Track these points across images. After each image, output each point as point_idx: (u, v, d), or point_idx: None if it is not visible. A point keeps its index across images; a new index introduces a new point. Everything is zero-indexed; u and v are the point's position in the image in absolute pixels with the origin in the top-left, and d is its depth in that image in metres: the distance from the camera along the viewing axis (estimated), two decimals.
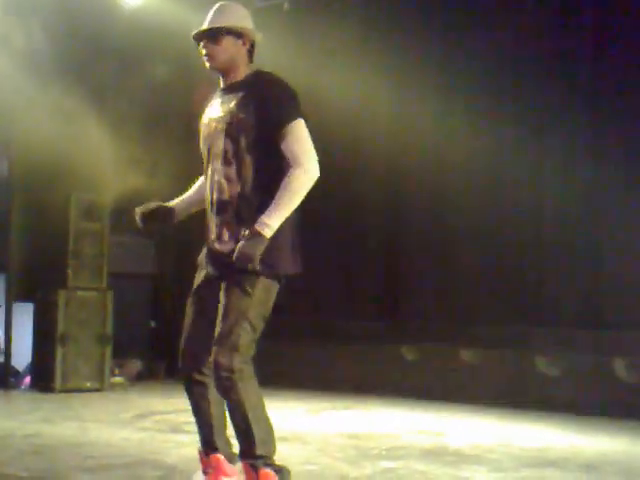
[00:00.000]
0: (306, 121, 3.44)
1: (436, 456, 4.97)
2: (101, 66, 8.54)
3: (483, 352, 7.97)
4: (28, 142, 7.94)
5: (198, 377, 3.54)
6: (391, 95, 8.52)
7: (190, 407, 3.62)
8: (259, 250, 3.27)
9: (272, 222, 3.29)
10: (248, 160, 3.41)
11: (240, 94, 3.45)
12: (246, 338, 3.37)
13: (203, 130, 3.61)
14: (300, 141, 3.38)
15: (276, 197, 3.31)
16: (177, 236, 9.02)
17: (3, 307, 8.26)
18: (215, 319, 3.44)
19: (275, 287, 3.47)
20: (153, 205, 3.75)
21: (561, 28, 7.90)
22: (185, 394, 3.61)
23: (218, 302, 3.45)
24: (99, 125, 8.14)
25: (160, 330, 9.64)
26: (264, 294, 3.42)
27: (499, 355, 7.95)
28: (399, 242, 8.86)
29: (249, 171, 3.42)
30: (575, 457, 5.15)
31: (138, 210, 3.74)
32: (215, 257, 3.51)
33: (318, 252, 8.35)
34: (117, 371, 8.64)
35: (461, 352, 8.03)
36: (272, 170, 3.39)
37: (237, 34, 3.50)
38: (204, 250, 3.61)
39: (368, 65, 8.61)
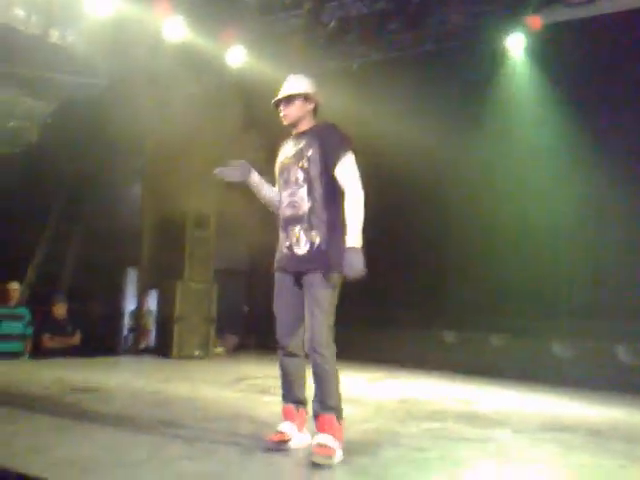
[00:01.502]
0: (355, 155, 3.61)
1: (468, 419, 4.90)
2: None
3: (509, 338, 7.84)
4: (155, 169, 8.15)
5: (292, 350, 3.65)
6: (436, 135, 8.50)
7: (282, 373, 3.71)
8: (361, 259, 3.44)
9: (358, 237, 3.48)
10: (317, 184, 3.61)
11: (308, 138, 3.68)
12: (332, 320, 3.53)
13: (279, 166, 3.78)
14: (350, 172, 3.58)
15: (350, 219, 3.50)
16: (265, 242, 9.10)
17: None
18: (298, 306, 3.60)
19: (341, 277, 3.57)
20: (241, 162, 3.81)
21: None
22: (280, 363, 3.69)
23: (300, 293, 3.61)
24: (207, 157, 8.28)
25: (251, 313, 9.77)
26: (338, 286, 3.57)
27: (522, 341, 7.82)
28: (445, 247, 8.78)
29: (317, 192, 3.60)
30: (584, 424, 5.03)
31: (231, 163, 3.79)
32: (294, 259, 3.62)
33: (383, 258, 8.39)
34: (218, 343, 8.77)
35: (491, 337, 7.93)
36: (332, 191, 3.60)
37: (305, 97, 3.73)
38: (278, 255, 3.73)
39: (418, 112, 8.61)
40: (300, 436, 3.69)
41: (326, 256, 3.53)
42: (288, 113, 3.73)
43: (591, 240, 7.66)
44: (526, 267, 7.99)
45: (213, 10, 7.84)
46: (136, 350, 8.33)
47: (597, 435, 4.61)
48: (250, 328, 9.53)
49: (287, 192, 3.68)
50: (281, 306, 3.70)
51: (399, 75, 8.72)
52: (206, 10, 7.78)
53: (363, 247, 3.48)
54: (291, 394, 3.73)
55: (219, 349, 8.65)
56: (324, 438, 3.44)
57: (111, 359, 7.81)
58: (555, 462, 3.78)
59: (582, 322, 7.61)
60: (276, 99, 3.77)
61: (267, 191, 3.87)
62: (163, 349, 8.01)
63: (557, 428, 4.77)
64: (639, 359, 7.05)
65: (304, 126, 3.75)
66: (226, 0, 7.82)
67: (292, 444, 3.63)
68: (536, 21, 7.53)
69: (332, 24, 8.09)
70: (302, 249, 3.59)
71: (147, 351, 8.47)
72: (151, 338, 8.61)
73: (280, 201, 3.75)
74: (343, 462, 3.43)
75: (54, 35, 7.27)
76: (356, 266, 3.43)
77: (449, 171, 8.49)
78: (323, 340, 3.47)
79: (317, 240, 3.56)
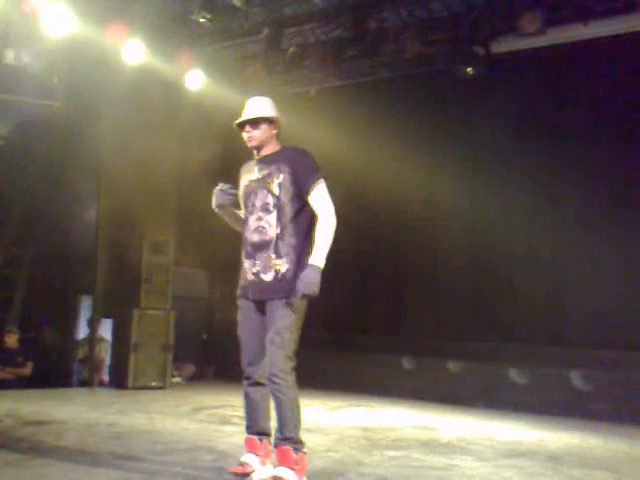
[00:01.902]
0: (325, 180, 3.62)
1: (431, 447, 4.92)
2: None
3: (466, 363, 7.92)
4: (111, 193, 8.02)
5: (257, 379, 3.59)
6: (392, 159, 8.63)
7: (246, 402, 3.65)
8: (319, 278, 3.43)
9: (322, 258, 3.47)
10: (287, 210, 3.56)
11: (276, 162, 3.63)
12: (294, 347, 3.49)
13: (244, 189, 3.73)
14: (324, 198, 3.59)
15: (318, 241, 3.50)
16: (224, 269, 9.04)
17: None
18: (263, 334, 3.54)
19: (306, 303, 3.56)
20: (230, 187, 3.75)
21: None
22: (245, 392, 3.64)
23: (263, 321, 3.56)
24: (166, 181, 8.22)
25: (210, 341, 9.64)
26: (302, 311, 3.55)
27: (479, 366, 7.90)
28: (402, 275, 8.88)
29: (287, 218, 3.55)
30: (542, 449, 5.12)
31: (219, 187, 3.73)
32: (260, 286, 3.56)
33: (340, 284, 8.42)
34: (176, 373, 8.60)
35: (449, 363, 7.99)
36: (302, 217, 3.58)
37: (270, 120, 3.68)
38: (242, 282, 3.66)
39: (374, 137, 8.73)
40: (263, 469, 3.59)
41: (290, 283, 3.48)
42: (254, 136, 3.67)
43: (547, 266, 7.83)
44: (482, 292, 8.14)
45: (171, 34, 7.82)
46: (90, 381, 8.08)
47: (555, 461, 4.66)
48: (208, 356, 9.38)
49: (254, 217, 3.62)
50: (246, 334, 3.65)
51: (356, 101, 8.86)
52: (164, 33, 7.75)
53: (325, 270, 3.46)
54: (255, 425, 3.65)
55: (176, 379, 8.48)
56: (280, 471, 3.37)
57: (64, 390, 7.59)
58: None
59: (538, 348, 7.74)
60: (241, 120, 3.71)
61: (236, 218, 3.80)
62: (118, 379, 7.82)
63: (517, 454, 4.82)
64: (592, 385, 7.19)
65: (269, 149, 3.70)
66: (184, 24, 7.82)
67: (255, 476, 3.53)
68: (488, 51, 7.73)
69: (290, 50, 8.16)
70: (268, 276, 3.54)
71: (101, 382, 8.24)
72: (104, 369, 8.39)
73: (245, 225, 3.68)
74: None
75: (9, 56, 7.15)
76: (312, 283, 3.41)
77: (407, 194, 8.59)
78: (280, 368, 3.42)
79: (283, 268, 3.51)
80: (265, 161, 3.68)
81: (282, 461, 3.40)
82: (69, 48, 7.23)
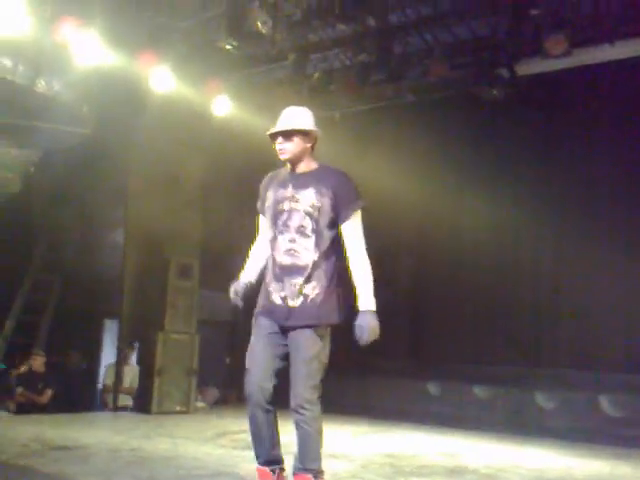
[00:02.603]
0: (363, 208, 3.51)
1: (458, 474, 4.84)
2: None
3: (493, 388, 7.82)
4: (138, 218, 8.12)
5: (267, 406, 3.39)
6: (416, 183, 8.63)
7: (252, 429, 3.44)
8: (376, 323, 3.35)
9: (373, 301, 3.39)
10: (325, 236, 3.42)
11: (316, 184, 3.45)
12: (321, 377, 3.39)
13: (274, 204, 3.51)
14: (359, 230, 3.48)
15: (362, 281, 3.40)
16: (247, 293, 9.04)
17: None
18: (275, 357, 3.41)
19: (330, 331, 3.48)
20: (241, 287, 3.57)
21: None
22: (250, 418, 3.42)
23: (280, 345, 3.41)
24: (191, 205, 8.30)
25: (233, 365, 9.63)
26: (329, 340, 3.46)
27: (505, 391, 7.80)
28: (425, 298, 8.84)
29: (324, 245, 3.42)
30: (570, 477, 5.03)
31: (233, 289, 3.57)
32: (287, 312, 3.41)
33: None
34: (200, 397, 8.59)
35: (474, 388, 7.90)
36: (335, 244, 3.46)
37: (305, 133, 3.48)
38: (265, 303, 3.48)
39: (399, 161, 8.75)
40: None
41: (319, 310, 3.37)
42: (286, 148, 3.47)
43: (575, 288, 7.74)
44: (509, 317, 8.06)
45: (198, 61, 7.95)
46: (115, 406, 8.09)
47: None
48: (232, 381, 9.38)
49: (286, 237, 3.43)
50: (257, 355, 3.43)
51: (381, 125, 8.90)
52: (192, 61, 7.88)
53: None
54: (264, 454, 3.45)
55: (200, 403, 8.47)
56: None
57: (89, 415, 7.63)
58: None
59: (565, 372, 7.63)
60: (273, 131, 3.50)
61: (260, 269, 3.61)
62: (142, 404, 7.83)
63: None
64: (622, 410, 7.05)
65: (304, 166, 3.51)
66: (211, 51, 7.94)
67: None
68: (514, 73, 7.72)
69: (316, 75, 8.25)
70: (296, 302, 3.40)
71: (124, 407, 8.26)
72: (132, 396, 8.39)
73: (274, 244, 3.49)
74: None
75: (40, 84, 7.32)
76: (374, 331, 3.32)
77: (431, 218, 8.59)
78: (307, 399, 3.30)
79: (313, 293, 3.38)
80: (303, 179, 3.48)
81: None
82: (99, 77, 7.37)
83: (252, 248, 3.68)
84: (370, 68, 8.16)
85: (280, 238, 3.45)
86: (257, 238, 3.68)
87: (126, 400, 8.24)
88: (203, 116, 8.32)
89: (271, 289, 3.47)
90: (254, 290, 3.60)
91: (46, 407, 7.81)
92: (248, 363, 3.46)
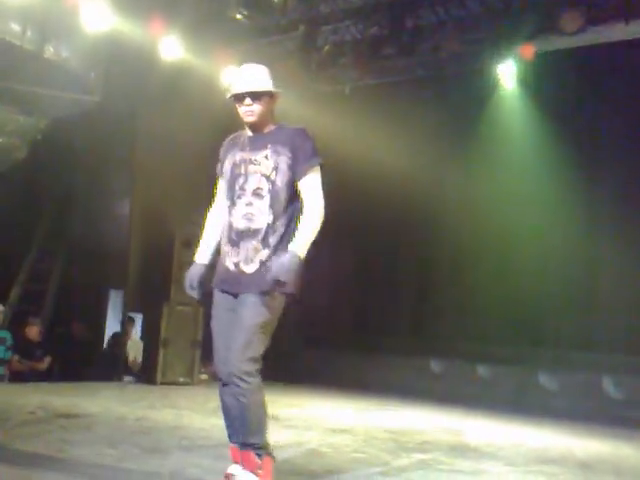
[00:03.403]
0: (321, 166, 3.29)
1: (459, 451, 4.88)
2: None
3: (496, 368, 7.86)
4: (145, 188, 8.11)
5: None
6: (426, 158, 8.60)
7: (223, 407, 3.23)
8: (295, 266, 3.07)
9: (302, 249, 3.13)
10: (281, 196, 3.23)
11: (273, 143, 3.27)
12: (262, 349, 3.16)
13: (231, 167, 3.35)
14: (316, 187, 3.25)
15: (301, 231, 3.16)
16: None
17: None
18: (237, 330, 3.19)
19: (283, 303, 3.24)
20: (196, 278, 3.37)
21: None
22: (221, 395, 3.22)
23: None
24: (198, 177, 8.26)
25: None
26: (279, 309, 3.21)
27: (508, 370, 7.84)
28: (429, 276, 8.85)
29: (280, 206, 3.23)
30: (572, 456, 5.06)
31: (189, 283, 3.37)
32: (240, 279, 3.20)
33: (367, 285, 8.43)
34: (203, 370, 8.64)
35: (478, 367, 7.94)
36: (292, 205, 3.25)
37: (271, 94, 3.30)
38: (221, 271, 3.29)
39: (409, 136, 8.70)
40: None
41: (267, 273, 3.12)
42: (255, 110, 3.25)
43: (579, 271, 7.75)
44: (513, 296, 8.07)
45: (208, 30, 7.88)
46: (119, 376, 8.16)
47: (586, 468, 4.61)
48: None
49: (243, 201, 3.25)
50: (218, 331, 3.24)
51: (391, 100, 8.83)
52: (201, 29, 7.82)
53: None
54: (236, 432, 3.20)
55: (204, 375, 8.53)
56: (242, 475, 3.12)
57: (94, 384, 7.70)
58: None
59: (568, 353, 7.66)
60: (242, 91, 3.25)
61: (212, 248, 3.42)
62: (146, 374, 7.89)
63: (546, 461, 4.77)
64: (624, 391, 7.09)
65: (265, 127, 3.32)
66: (221, 21, 7.87)
67: None
68: (529, 50, 7.63)
69: (326, 48, 8.18)
70: (251, 268, 3.18)
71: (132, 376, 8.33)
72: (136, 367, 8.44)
73: (231, 209, 3.30)
74: None
75: (48, 51, 7.26)
76: (288, 270, 3.02)
77: (438, 195, 8.57)
78: (243, 370, 3.06)
79: (268, 259, 3.16)
80: (261, 140, 3.30)
81: (244, 464, 3.14)
82: (107, 43, 7.32)
83: (208, 215, 3.51)
84: (381, 42, 8.09)
85: (238, 202, 3.28)
86: (214, 204, 3.50)
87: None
88: (211, 85, 8.27)
89: (226, 255, 3.30)
90: (213, 270, 3.40)
91: (46, 374, 7.88)
92: (214, 343, 3.27)
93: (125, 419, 5.22)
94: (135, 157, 8.28)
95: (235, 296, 3.21)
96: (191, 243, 8.11)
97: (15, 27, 7.00)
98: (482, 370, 7.92)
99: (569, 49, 7.38)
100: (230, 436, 3.23)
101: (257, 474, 3.10)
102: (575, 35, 6.89)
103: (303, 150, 3.24)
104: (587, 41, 7.14)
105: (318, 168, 3.27)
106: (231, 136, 3.48)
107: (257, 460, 3.11)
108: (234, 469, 3.19)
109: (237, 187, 3.28)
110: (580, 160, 7.88)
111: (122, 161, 8.47)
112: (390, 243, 8.87)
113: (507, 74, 8.06)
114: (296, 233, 3.17)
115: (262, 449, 3.14)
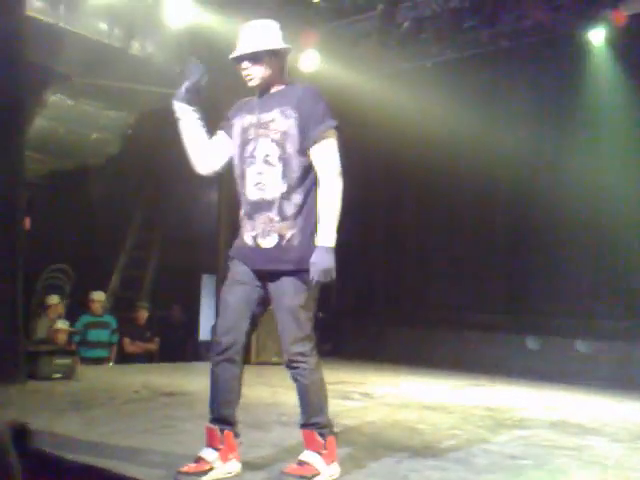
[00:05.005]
0: (338, 129, 3.03)
1: (561, 427, 4.73)
2: None
3: (596, 343, 7.59)
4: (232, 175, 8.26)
5: (229, 355, 3.04)
6: (513, 133, 8.34)
7: (211, 382, 3.08)
8: (333, 261, 2.92)
9: (332, 235, 2.95)
10: (294, 164, 2.97)
11: (281, 105, 3.01)
12: (311, 326, 3.06)
13: (239, 132, 3.11)
14: (330, 153, 2.98)
15: (324, 212, 2.96)
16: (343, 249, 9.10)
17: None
18: (250, 305, 3.04)
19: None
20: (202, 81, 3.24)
21: None
22: (212, 369, 3.09)
23: (257, 292, 3.05)
24: None
25: (326, 319, 9.75)
26: (316, 286, 3.01)
27: (610, 345, 7.55)
28: (527, 251, 8.56)
29: (294, 174, 2.97)
30: None
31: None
32: (260, 254, 3.01)
33: (459, 263, 8.29)
34: None
35: (577, 342, 7.68)
36: (308, 173, 3.00)
37: (274, 52, 3.04)
38: (239, 245, 3.09)
39: (494, 110, 8.46)
40: (225, 466, 3.02)
41: (298, 253, 2.95)
42: (254, 74, 3.03)
43: None
44: (614, 268, 7.73)
45: (287, 15, 7.89)
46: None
47: None
48: (325, 334, 9.51)
49: (253, 170, 3.01)
50: (230, 302, 3.05)
51: (474, 73, 8.61)
52: (281, 15, 7.84)
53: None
54: (217, 411, 3.05)
55: None
56: (305, 455, 3.04)
57: (192, 364, 7.94)
58: None
59: None
60: (236, 54, 3.05)
61: (201, 136, 3.18)
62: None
63: None
64: None
65: (274, 86, 3.07)
66: (299, 5, 7.88)
67: (213, 475, 2.96)
68: (620, 15, 7.25)
69: (406, 25, 8.05)
70: (269, 242, 2.98)
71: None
72: None
73: (242, 180, 3.07)
74: (439, 470, 3.34)
75: (134, 46, 7.49)
76: (328, 269, 2.89)
77: (523, 169, 8.30)
78: (299, 351, 3.01)
79: (288, 233, 2.97)
80: (268, 102, 3.04)
81: (308, 445, 3.07)
82: (191, 37, 7.46)
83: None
84: (462, 14, 7.89)
85: (248, 171, 3.04)
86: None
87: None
88: (290, 72, 8.29)
89: (243, 228, 3.10)
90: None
91: (155, 355, 8.20)
92: (220, 312, 3.12)
93: None
94: None
95: (259, 274, 3.04)
96: None
97: (103, 26, 7.27)
98: (581, 346, 7.65)
99: None
100: (210, 413, 3.05)
101: (321, 454, 3.03)
102: None
103: (313, 113, 2.96)
104: None
105: (333, 132, 2.99)
106: (242, 100, 3.24)
107: (320, 439, 3.05)
108: (206, 453, 3.00)
109: (247, 155, 3.05)
110: None
111: None
112: (481, 215, 8.64)
113: (596, 41, 7.69)
114: (320, 219, 2.94)
115: (325, 428, 3.08)
